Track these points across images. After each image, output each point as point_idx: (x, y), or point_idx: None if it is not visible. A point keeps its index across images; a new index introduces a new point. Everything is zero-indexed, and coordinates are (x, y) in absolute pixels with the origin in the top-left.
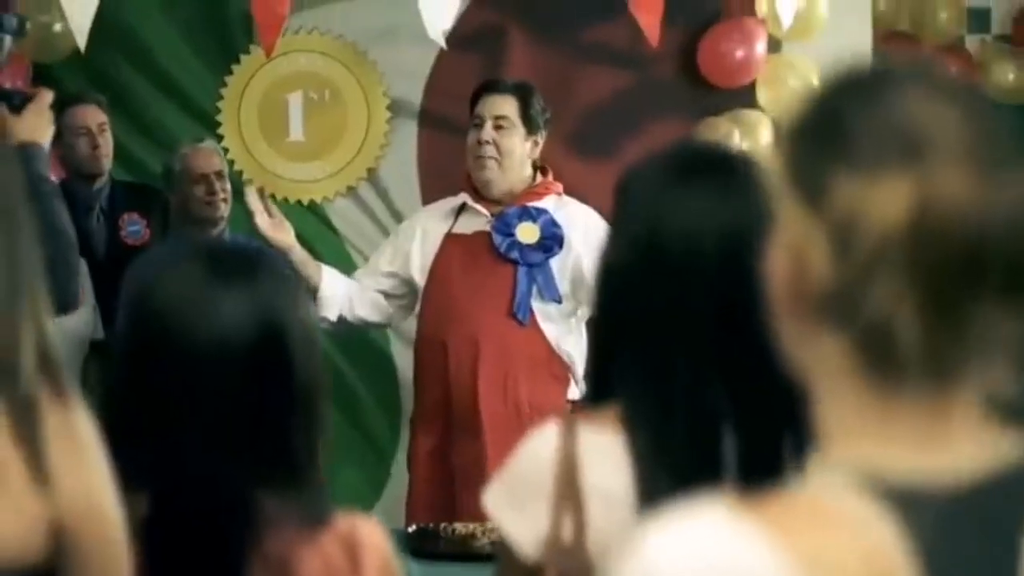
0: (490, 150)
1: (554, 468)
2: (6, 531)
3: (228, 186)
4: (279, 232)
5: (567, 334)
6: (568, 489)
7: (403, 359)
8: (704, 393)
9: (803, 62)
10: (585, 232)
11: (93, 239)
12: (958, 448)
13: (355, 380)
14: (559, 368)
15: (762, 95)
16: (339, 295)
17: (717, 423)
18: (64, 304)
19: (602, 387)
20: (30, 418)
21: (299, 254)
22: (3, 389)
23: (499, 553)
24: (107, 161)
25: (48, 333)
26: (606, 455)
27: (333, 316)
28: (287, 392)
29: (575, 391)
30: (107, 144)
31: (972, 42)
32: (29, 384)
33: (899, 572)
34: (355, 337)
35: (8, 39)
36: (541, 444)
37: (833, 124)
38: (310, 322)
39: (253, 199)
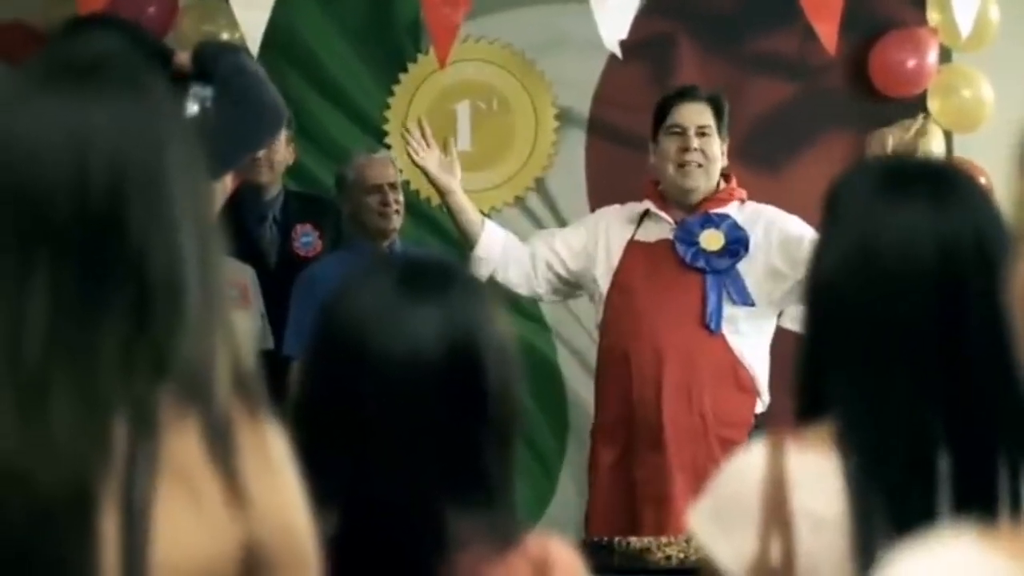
0: (698, 157)
1: (762, 490)
2: (200, 551)
3: (401, 197)
4: (444, 172)
5: (755, 345)
6: (777, 513)
7: (569, 369)
8: (923, 412)
9: (974, 72)
10: (767, 227)
11: (265, 248)
12: None
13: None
14: (745, 379)
15: (933, 105)
16: (495, 255)
17: (935, 444)
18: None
19: (812, 404)
20: (225, 437)
21: (459, 200)
22: (198, 406)
23: (704, 572)
24: (273, 173)
25: (242, 348)
26: (816, 477)
27: (484, 275)
28: (479, 409)
29: (760, 404)
30: (271, 156)
31: None
32: (224, 402)
33: None
34: (520, 346)
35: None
36: (749, 465)
37: None
38: (504, 338)
39: (415, 135)
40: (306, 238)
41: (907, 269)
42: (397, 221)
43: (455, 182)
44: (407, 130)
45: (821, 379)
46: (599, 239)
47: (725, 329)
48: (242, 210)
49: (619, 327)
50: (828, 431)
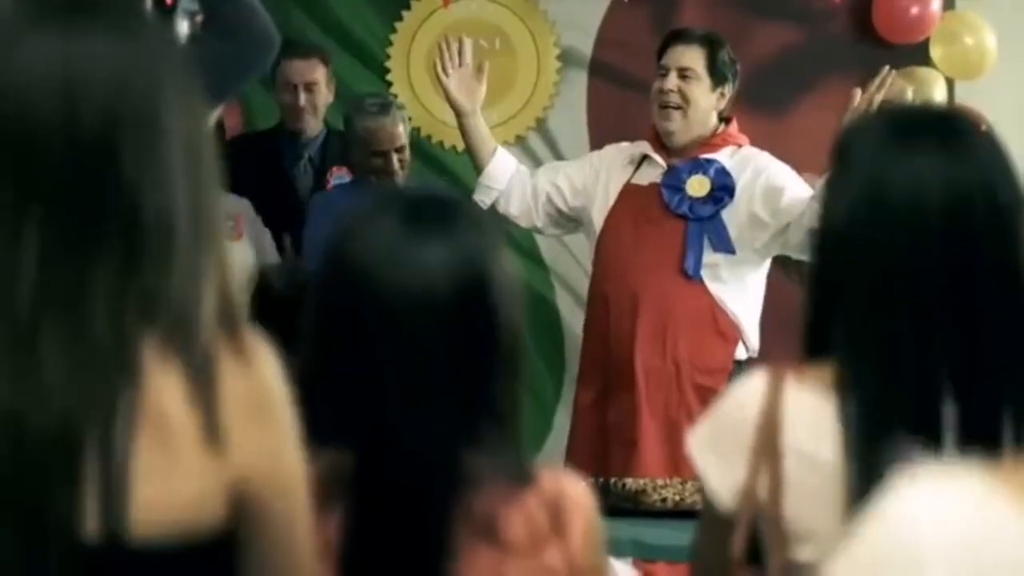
0: (674, 98)
1: (756, 422)
2: (178, 495)
3: (407, 155)
4: (463, 93)
5: (738, 292)
6: (768, 445)
7: (567, 310)
8: (928, 361)
9: (978, 20)
10: (754, 174)
11: (298, 186)
12: None
13: None
14: (726, 326)
15: (936, 52)
16: (500, 184)
17: (939, 392)
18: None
19: (817, 345)
20: (207, 381)
21: (473, 123)
22: (180, 347)
23: (704, 509)
24: (311, 118)
25: (231, 284)
26: (811, 416)
27: (487, 202)
28: (490, 345)
29: (743, 351)
30: (314, 101)
31: None
32: (208, 343)
33: None
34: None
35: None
36: (747, 393)
37: None
38: (511, 273)
39: (450, 50)
40: (339, 180)
41: (916, 218)
42: (401, 178)
43: (474, 105)
44: (445, 44)
45: (827, 322)
46: (599, 178)
47: (706, 276)
48: (278, 148)
49: (602, 269)
50: (830, 373)
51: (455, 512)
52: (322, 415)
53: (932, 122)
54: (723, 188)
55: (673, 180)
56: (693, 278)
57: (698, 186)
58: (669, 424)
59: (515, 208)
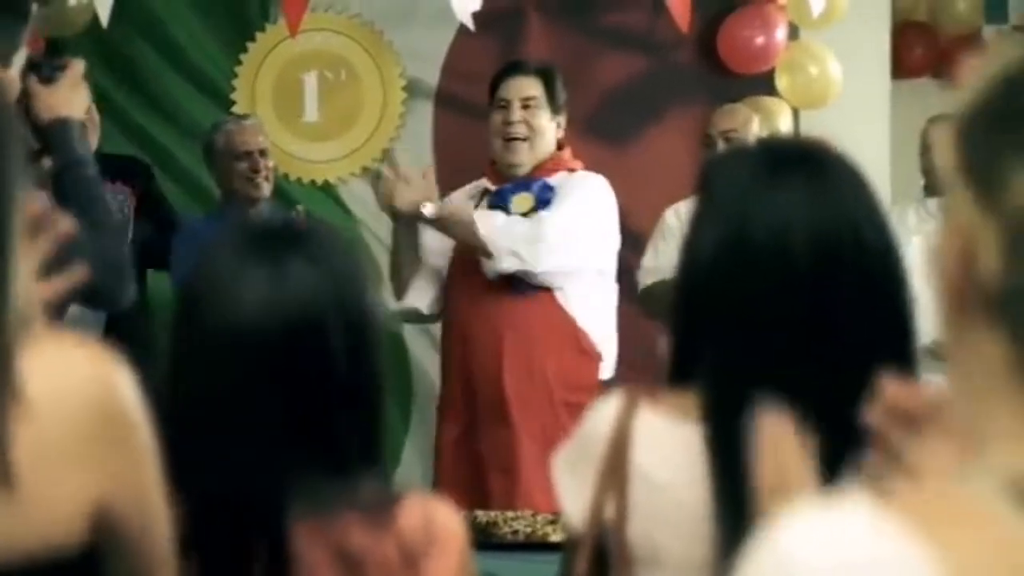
0: (521, 130)
1: (607, 443)
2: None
3: (271, 163)
4: (405, 202)
5: (585, 306)
6: (615, 467)
7: (413, 341)
8: (793, 391)
9: (822, 49)
10: (571, 187)
11: None
12: None
13: None
14: (587, 344)
15: (781, 82)
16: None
17: (803, 423)
18: (113, 303)
19: (681, 373)
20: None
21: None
22: None
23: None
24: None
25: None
26: (661, 441)
27: (424, 308)
28: (326, 379)
29: (605, 369)
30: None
31: (989, 32)
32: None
33: None
34: None
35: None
36: (600, 416)
37: (1009, 114)
38: (359, 306)
39: (388, 170)
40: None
41: (781, 256)
42: (267, 188)
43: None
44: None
45: (691, 351)
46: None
47: (557, 295)
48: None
49: (455, 302)
50: (688, 400)
51: (293, 540)
52: (180, 447)
53: (798, 157)
54: (546, 202)
55: (499, 200)
56: (523, 292)
57: (523, 202)
58: (549, 446)
59: (426, 308)
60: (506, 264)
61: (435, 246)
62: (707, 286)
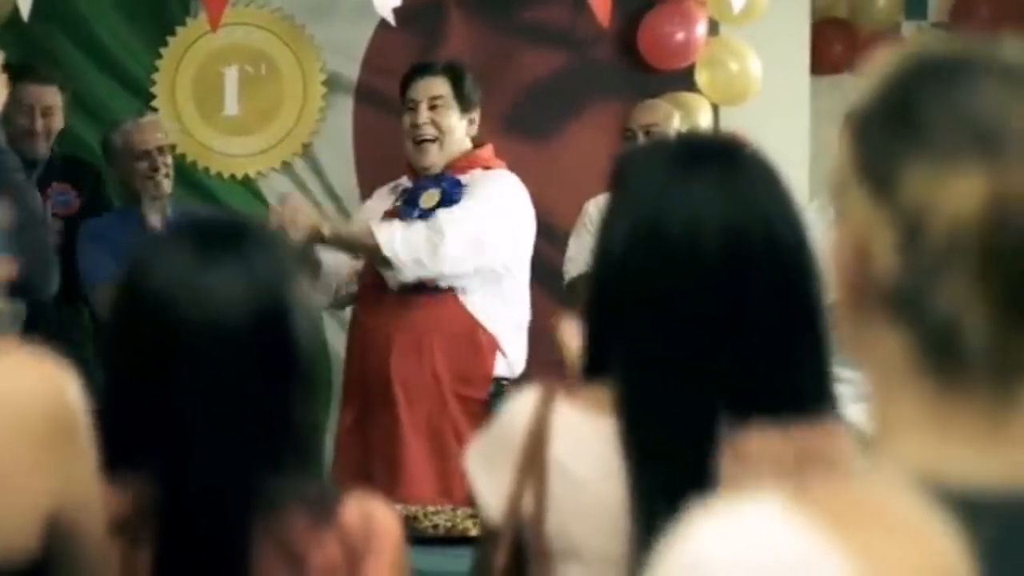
0: (429, 131)
1: (524, 437)
2: None
3: (170, 160)
4: (301, 233)
5: (487, 302)
6: (533, 461)
7: (333, 336)
8: (704, 388)
9: (742, 45)
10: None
11: None
12: (1018, 453)
13: None
14: (482, 336)
15: (701, 78)
16: (341, 270)
17: (716, 415)
18: (39, 292)
19: (594, 366)
20: None
21: (339, 235)
22: None
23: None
24: (44, 144)
25: None
26: (578, 435)
27: (330, 292)
28: (287, 369)
29: (505, 365)
30: (49, 126)
31: (909, 28)
32: None
33: None
34: None
35: None
36: (517, 410)
37: (906, 111)
38: (307, 297)
39: (273, 214)
40: (60, 197)
41: (693, 251)
42: (167, 185)
43: (325, 225)
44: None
45: (604, 344)
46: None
47: (458, 288)
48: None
49: (360, 289)
50: (602, 394)
51: (259, 539)
52: (122, 446)
53: (712, 152)
54: (452, 199)
55: (411, 196)
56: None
57: (430, 198)
58: (434, 439)
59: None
60: (410, 273)
61: (330, 261)
62: (620, 279)
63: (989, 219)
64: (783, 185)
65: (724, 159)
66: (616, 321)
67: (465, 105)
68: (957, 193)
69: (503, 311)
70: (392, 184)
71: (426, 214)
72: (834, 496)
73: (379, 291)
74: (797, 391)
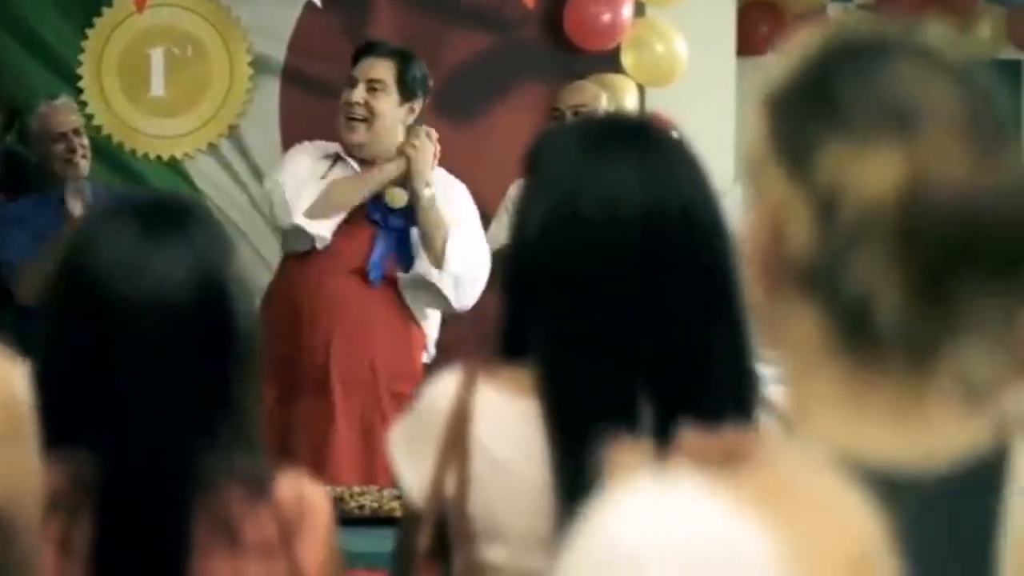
0: (360, 111)
1: (446, 419)
2: None
3: (86, 142)
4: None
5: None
6: (456, 442)
7: None
8: (625, 367)
9: (668, 27)
10: (444, 201)
11: None
12: (935, 431)
13: None
14: (416, 334)
15: (627, 59)
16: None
17: (636, 393)
18: None
19: (512, 348)
20: None
21: None
22: None
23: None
24: None
25: None
26: (500, 417)
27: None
28: (229, 349)
29: (427, 356)
30: None
31: (835, 10)
32: None
33: (880, 556)
34: None
35: None
36: (439, 392)
37: (823, 90)
38: (244, 276)
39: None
40: None
41: (611, 231)
42: (85, 166)
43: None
44: None
45: (523, 325)
46: (300, 174)
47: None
48: None
49: (291, 268)
50: (523, 375)
51: (196, 514)
52: (62, 422)
53: (626, 133)
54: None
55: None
56: (375, 284)
57: (397, 197)
58: (365, 431)
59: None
60: (441, 283)
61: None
62: (538, 260)
63: (904, 197)
64: (699, 165)
65: (640, 139)
66: (535, 302)
67: (406, 93)
68: (873, 171)
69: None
70: (322, 148)
71: (390, 217)
72: (754, 476)
73: (321, 277)
74: (717, 369)
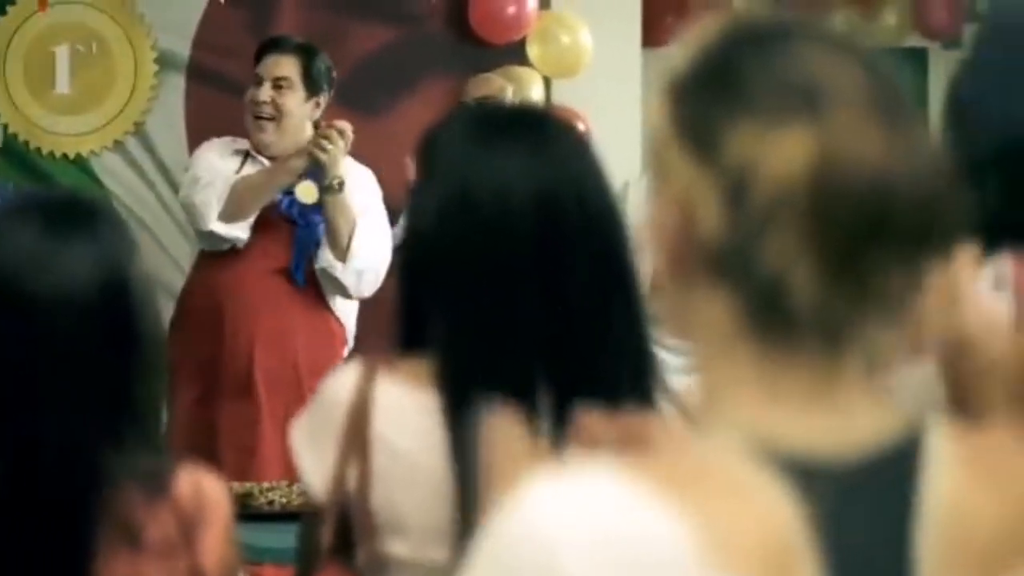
0: (267, 109)
1: (346, 412)
2: None
3: None
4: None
5: (346, 300)
6: (357, 435)
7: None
8: (523, 354)
9: (573, 19)
10: (368, 196)
11: None
12: (848, 415)
13: None
14: (337, 331)
15: (532, 51)
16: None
17: (534, 383)
18: None
19: (411, 339)
20: None
21: None
22: None
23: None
24: None
25: None
26: (400, 408)
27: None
28: (132, 347)
29: (346, 350)
30: None
31: (739, 1)
32: None
33: (796, 541)
34: None
35: None
36: (339, 385)
37: (727, 74)
38: (149, 274)
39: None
40: None
41: (505, 219)
42: None
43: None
44: None
45: (421, 316)
46: (209, 175)
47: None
48: None
49: (212, 269)
50: (422, 366)
51: (98, 514)
52: None
53: (517, 121)
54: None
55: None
56: (301, 285)
57: (307, 192)
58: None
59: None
60: (344, 276)
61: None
62: (433, 251)
63: (815, 177)
64: (590, 150)
65: (532, 127)
66: (432, 293)
67: (312, 88)
68: (783, 151)
69: (352, 301)
70: (230, 145)
71: (306, 212)
72: (668, 463)
73: (243, 275)
74: (615, 354)
